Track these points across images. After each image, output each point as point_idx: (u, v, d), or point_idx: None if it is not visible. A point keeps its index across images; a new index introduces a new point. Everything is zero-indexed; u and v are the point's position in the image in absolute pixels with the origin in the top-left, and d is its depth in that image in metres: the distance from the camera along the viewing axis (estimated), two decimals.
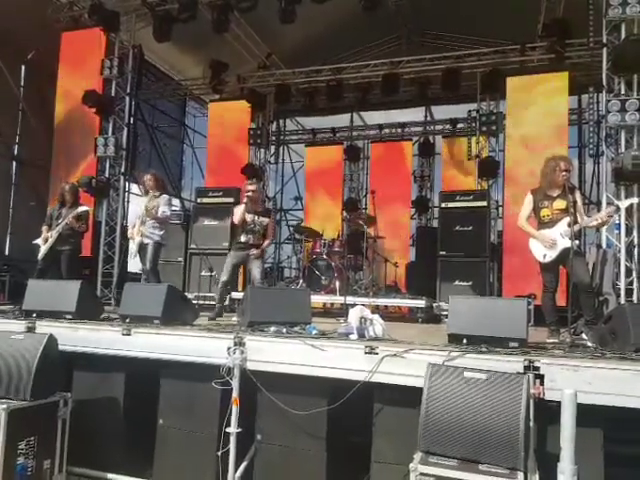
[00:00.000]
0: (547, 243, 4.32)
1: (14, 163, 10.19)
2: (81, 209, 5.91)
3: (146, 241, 5.84)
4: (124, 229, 8.54)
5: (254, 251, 5.64)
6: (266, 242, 5.81)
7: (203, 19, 8.35)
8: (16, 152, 10.19)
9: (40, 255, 5.84)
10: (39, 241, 5.93)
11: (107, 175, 8.85)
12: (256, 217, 5.69)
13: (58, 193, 6.13)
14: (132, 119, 9.35)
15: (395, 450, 3.25)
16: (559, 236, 4.30)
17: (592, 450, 2.88)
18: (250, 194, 5.67)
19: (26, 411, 3.49)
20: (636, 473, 3.04)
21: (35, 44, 9.60)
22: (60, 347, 3.89)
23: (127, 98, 9.19)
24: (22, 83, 10.18)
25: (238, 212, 5.68)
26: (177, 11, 8.29)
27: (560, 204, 4.33)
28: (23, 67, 10.17)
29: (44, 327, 4.27)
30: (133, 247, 5.93)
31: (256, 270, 5.69)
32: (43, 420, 3.62)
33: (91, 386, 4.12)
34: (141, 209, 5.97)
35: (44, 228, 5.98)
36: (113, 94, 8.99)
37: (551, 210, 4.39)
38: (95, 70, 8.87)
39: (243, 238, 5.70)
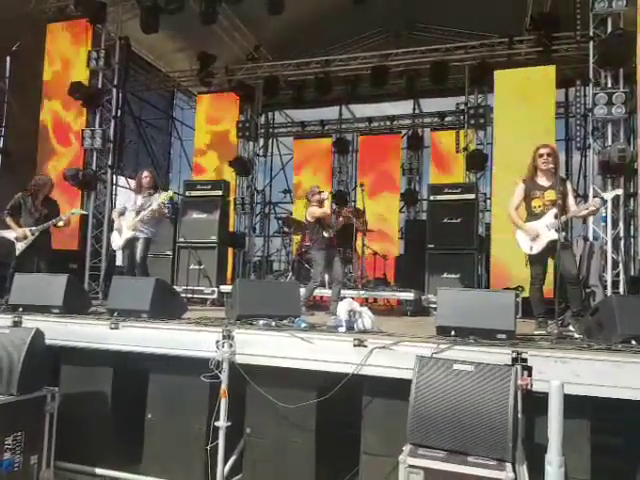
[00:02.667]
0: (532, 235, 4.33)
1: None
2: (78, 211, 5.79)
3: (138, 235, 5.75)
4: (112, 222, 8.44)
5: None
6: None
7: (191, 10, 8.25)
8: (1, 144, 10.03)
9: (17, 252, 5.62)
10: (9, 235, 5.62)
11: (94, 168, 8.75)
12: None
13: (35, 185, 5.81)
14: (119, 111, 9.24)
15: (384, 442, 3.26)
16: (545, 228, 4.30)
17: (579, 441, 2.91)
18: (327, 195, 6.13)
19: (13, 406, 3.45)
20: (622, 463, 3.09)
21: (20, 35, 9.42)
22: (47, 341, 3.86)
23: (114, 90, 9.08)
24: (7, 74, 9.99)
25: (327, 207, 6.05)
26: (164, 2, 8.18)
27: (551, 195, 4.31)
28: (8, 58, 9.98)
29: (31, 321, 4.22)
30: (118, 240, 5.81)
31: (340, 270, 6.11)
32: (30, 415, 3.58)
33: (79, 380, 4.08)
34: (135, 204, 5.84)
35: (10, 220, 5.63)
36: (100, 86, 8.88)
37: (542, 201, 4.37)
38: (81, 62, 8.75)
39: (327, 234, 6.04)
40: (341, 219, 6.54)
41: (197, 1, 8.25)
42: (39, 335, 3.76)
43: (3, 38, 9.24)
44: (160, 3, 8.32)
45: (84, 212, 5.97)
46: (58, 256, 6.73)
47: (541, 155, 4.39)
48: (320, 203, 5.96)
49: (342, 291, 6.45)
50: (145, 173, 6.00)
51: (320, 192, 6.04)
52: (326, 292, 7.13)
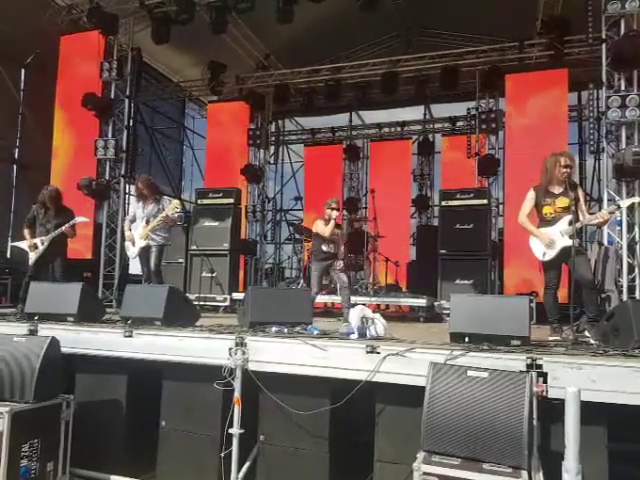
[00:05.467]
0: (546, 241, 4.31)
1: (14, 166, 10.20)
2: (80, 219, 5.88)
3: (151, 243, 5.82)
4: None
5: (340, 264, 6.08)
6: (341, 251, 6.23)
7: (201, 20, 8.35)
8: (16, 155, 10.20)
9: (31, 262, 5.70)
10: (23, 245, 5.76)
11: (107, 177, 8.85)
12: (335, 229, 6.08)
13: (43, 197, 5.85)
14: (131, 121, 9.34)
15: (398, 449, 3.24)
16: (558, 234, 4.28)
17: (596, 448, 2.86)
18: (335, 215, 6.03)
19: (29, 414, 3.49)
20: None
21: (34, 48, 9.60)
22: (62, 349, 3.90)
23: (126, 100, 9.19)
24: (22, 87, 10.19)
25: (328, 228, 5.97)
26: (175, 13, 8.30)
27: (563, 202, 4.31)
28: (23, 71, 10.18)
29: (46, 330, 4.27)
30: (133, 249, 5.89)
31: (342, 276, 6.03)
32: (46, 422, 3.62)
33: (93, 388, 4.12)
34: (144, 211, 5.92)
35: (27, 231, 5.78)
36: (112, 96, 8.99)
37: (554, 208, 4.36)
38: (94, 73, 8.88)
39: (325, 248, 6.05)
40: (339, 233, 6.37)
41: (207, 11, 8.34)
42: (54, 343, 3.80)
43: (17, 51, 9.44)
44: (171, 14, 8.44)
45: (85, 219, 6.03)
46: (72, 265, 6.80)
47: (565, 166, 4.34)
48: (327, 221, 6.01)
49: (354, 298, 6.45)
50: (140, 184, 6.03)
51: (333, 209, 6.04)
52: (337, 299, 7.13)
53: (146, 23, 9.04)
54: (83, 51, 9.03)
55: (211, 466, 3.63)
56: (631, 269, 6.23)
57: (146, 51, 9.85)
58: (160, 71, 12.00)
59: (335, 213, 6.01)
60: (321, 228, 6.01)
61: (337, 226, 6.11)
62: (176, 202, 5.95)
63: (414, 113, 13.48)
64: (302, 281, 7.76)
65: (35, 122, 9.71)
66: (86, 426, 3.84)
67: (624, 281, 6.09)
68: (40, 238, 5.74)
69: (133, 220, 5.98)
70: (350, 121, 13.72)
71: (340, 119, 13.74)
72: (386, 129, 13.85)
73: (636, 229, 6.35)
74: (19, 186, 10.11)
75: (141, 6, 8.73)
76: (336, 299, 7.21)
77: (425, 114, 13.53)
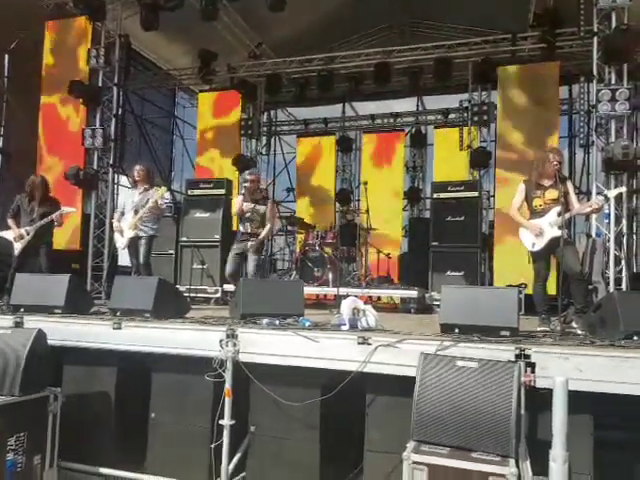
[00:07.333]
0: (535, 231, 4.36)
1: None
2: (66, 209, 5.82)
3: (140, 234, 5.76)
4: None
5: (250, 243, 5.57)
6: (264, 231, 5.66)
7: (191, 7, 8.21)
8: (1, 144, 10.03)
9: (16, 252, 5.64)
10: (8, 236, 5.70)
11: (95, 167, 8.74)
12: (254, 206, 5.69)
13: (29, 186, 5.80)
14: (120, 110, 9.22)
15: (388, 439, 3.26)
16: (547, 225, 4.33)
17: (582, 436, 2.90)
18: (247, 184, 5.73)
19: (15, 406, 3.46)
20: (624, 458, 3.08)
21: (18, 33, 9.40)
22: (49, 342, 3.85)
23: (115, 88, 9.07)
24: (6, 73, 9.99)
25: (236, 203, 5.70)
26: None
27: (552, 194, 4.38)
28: (7, 57, 9.98)
29: (33, 322, 4.22)
30: (122, 240, 5.83)
31: (251, 263, 5.65)
32: (33, 415, 3.58)
33: (82, 380, 4.09)
34: (133, 201, 5.87)
35: (11, 221, 5.73)
36: (100, 84, 8.86)
37: (543, 200, 4.43)
38: (81, 60, 8.74)
39: (241, 228, 5.76)
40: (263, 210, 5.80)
41: None
42: (41, 336, 3.76)
43: (1, 36, 9.22)
44: (160, 0, 8.30)
45: (72, 209, 5.99)
46: (60, 256, 6.73)
47: (554, 161, 4.38)
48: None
49: (346, 289, 6.44)
50: (137, 167, 6.05)
51: (245, 181, 5.78)
52: (329, 290, 7.13)
53: (134, 9, 8.86)
54: (69, 37, 8.87)
55: (201, 458, 3.63)
56: (618, 261, 6.30)
57: (135, 38, 9.70)
58: (150, 59, 11.83)
59: (244, 186, 5.72)
60: (234, 206, 5.65)
61: (258, 201, 5.69)
62: (163, 189, 5.88)
63: (407, 105, 13.43)
64: (294, 273, 7.74)
65: (20, 110, 9.54)
66: (74, 419, 3.80)
67: (611, 273, 6.17)
68: (25, 228, 5.68)
69: (124, 212, 5.92)
70: (343, 112, 13.65)
71: (333, 110, 13.65)
72: (379, 120, 13.80)
73: (623, 222, 6.42)
74: (4, 176, 9.94)
75: None
76: (327, 290, 7.21)
77: (418, 106, 13.50)
